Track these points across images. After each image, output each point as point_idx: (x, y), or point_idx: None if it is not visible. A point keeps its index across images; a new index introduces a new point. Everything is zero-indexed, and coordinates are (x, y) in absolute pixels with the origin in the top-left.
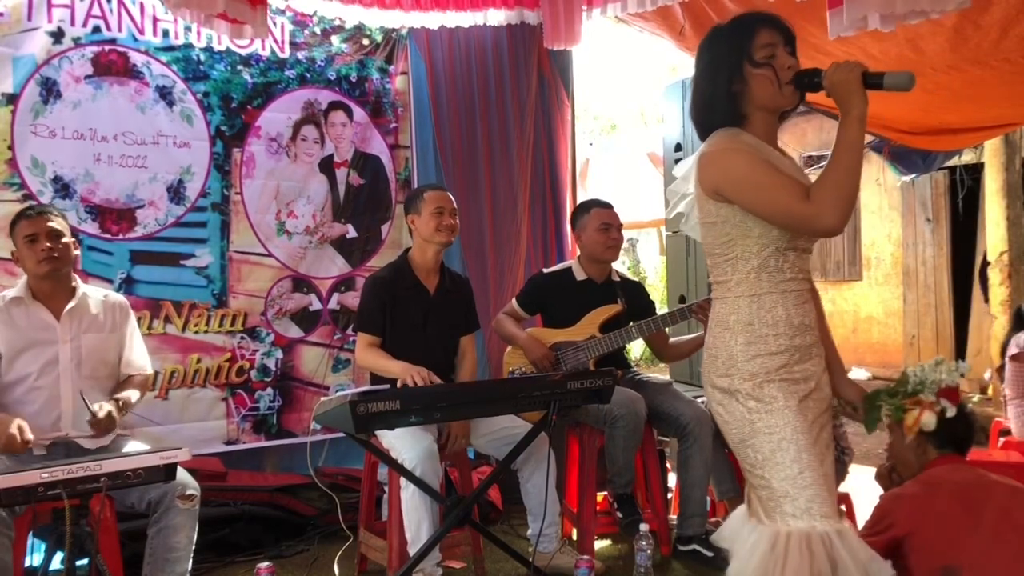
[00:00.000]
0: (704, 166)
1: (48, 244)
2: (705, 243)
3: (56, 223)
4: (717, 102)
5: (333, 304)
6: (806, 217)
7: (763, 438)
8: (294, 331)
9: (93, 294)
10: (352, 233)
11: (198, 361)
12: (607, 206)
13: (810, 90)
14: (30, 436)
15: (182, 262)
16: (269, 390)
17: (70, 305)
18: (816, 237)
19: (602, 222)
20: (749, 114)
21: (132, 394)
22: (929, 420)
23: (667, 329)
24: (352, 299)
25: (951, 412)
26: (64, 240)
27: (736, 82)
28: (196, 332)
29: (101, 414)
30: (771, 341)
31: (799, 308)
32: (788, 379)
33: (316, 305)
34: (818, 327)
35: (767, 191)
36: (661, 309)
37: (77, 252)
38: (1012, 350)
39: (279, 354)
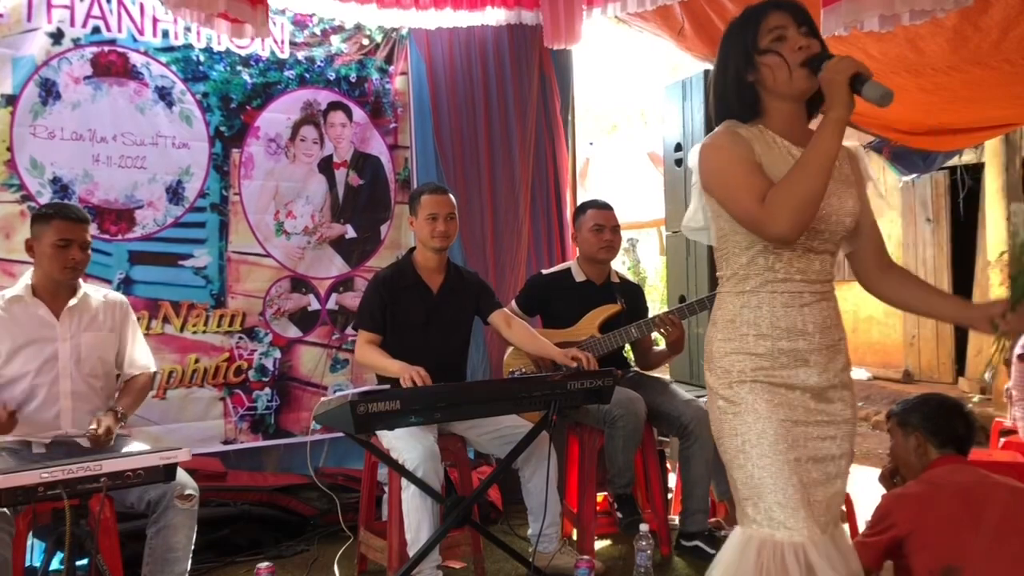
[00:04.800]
0: (697, 161)
1: (80, 256)
2: (711, 236)
3: (89, 233)
4: (729, 95)
5: (331, 304)
6: (757, 220)
7: (728, 440)
8: (292, 331)
9: (93, 293)
10: (351, 233)
11: (196, 361)
12: (604, 207)
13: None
14: (13, 407)
15: (180, 262)
16: (267, 390)
17: (71, 303)
18: (772, 243)
19: (596, 223)
20: (766, 105)
21: (128, 404)
22: None
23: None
24: (351, 299)
25: None
26: (90, 251)
27: (749, 73)
28: (194, 332)
29: (100, 431)
30: (751, 341)
31: (792, 310)
32: (765, 382)
33: (315, 305)
34: (924, 300)
35: (730, 190)
36: (662, 311)
37: None
38: (1019, 350)
39: (277, 354)
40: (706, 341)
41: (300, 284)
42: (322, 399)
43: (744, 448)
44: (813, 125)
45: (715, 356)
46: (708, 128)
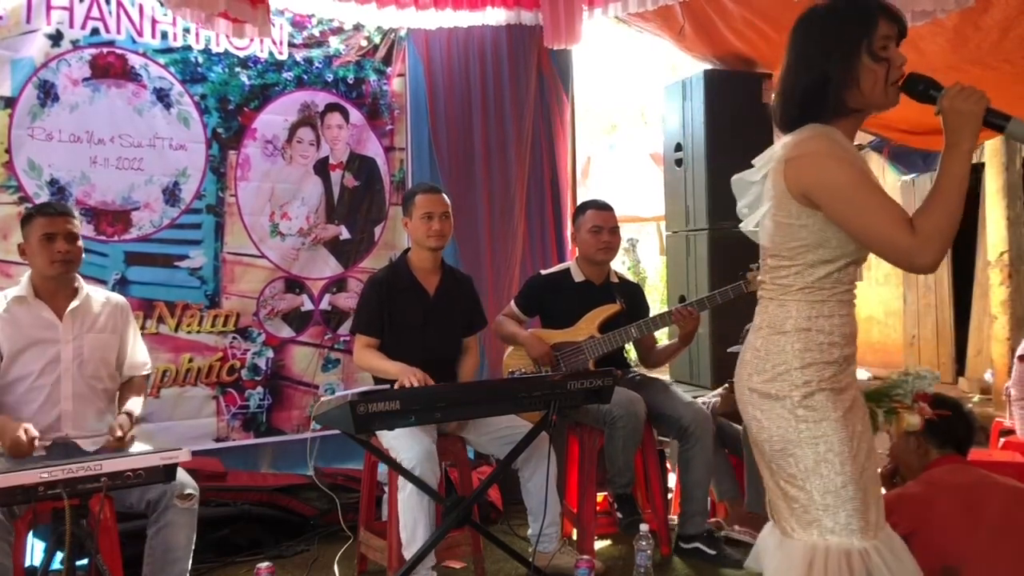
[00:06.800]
0: (797, 167)
1: (66, 247)
2: (773, 241)
3: (74, 225)
4: (827, 91)
5: (325, 305)
6: (905, 250)
7: (808, 448)
8: (285, 331)
9: (95, 294)
10: (345, 235)
11: (190, 360)
12: (603, 208)
13: (922, 101)
14: (35, 433)
15: (176, 263)
16: (259, 389)
17: (73, 305)
18: (906, 270)
19: (594, 224)
20: (852, 108)
21: (137, 404)
22: (913, 421)
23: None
24: (344, 300)
25: (928, 413)
26: (79, 243)
27: (849, 72)
28: (188, 332)
29: (125, 434)
30: (826, 350)
31: (850, 317)
32: (835, 388)
33: (308, 306)
34: None
35: (866, 212)
36: (662, 311)
37: (84, 255)
38: (1020, 351)
39: (270, 353)
40: (770, 350)
41: (294, 285)
42: (321, 399)
43: (827, 457)
44: None
45: (793, 366)
46: (709, 128)
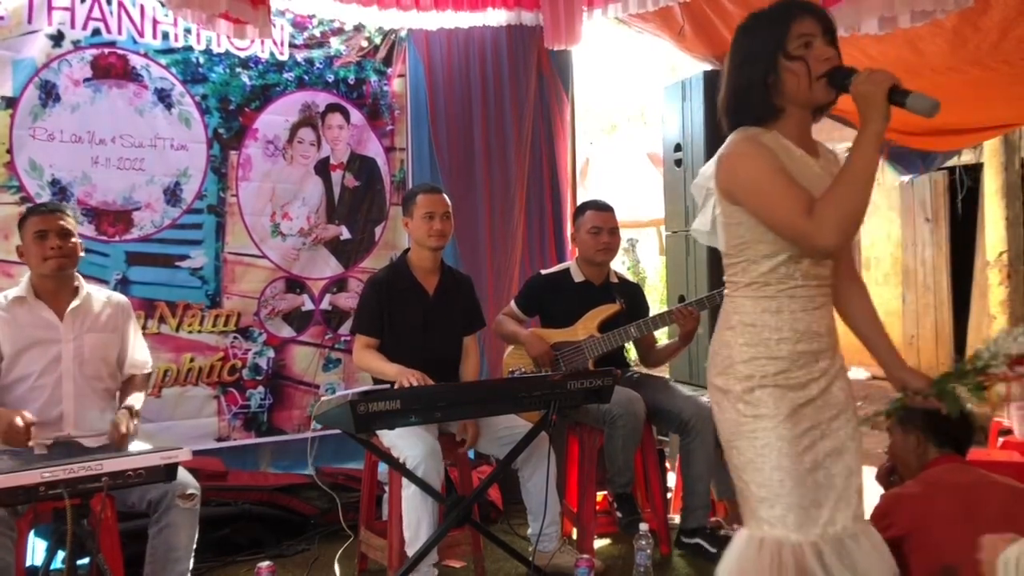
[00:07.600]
0: (719, 168)
1: (58, 243)
2: (722, 242)
3: (67, 222)
4: (751, 95)
5: (325, 304)
6: (803, 233)
7: (746, 441)
8: (286, 331)
9: (96, 294)
10: (346, 235)
11: (191, 360)
12: (603, 208)
13: (843, 91)
14: (31, 417)
15: (177, 263)
16: (260, 388)
17: (73, 304)
18: (811, 254)
19: (593, 225)
20: (783, 108)
21: (138, 399)
22: (1002, 390)
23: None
24: (344, 300)
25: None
26: (73, 240)
27: (770, 75)
28: (190, 332)
29: (125, 430)
30: (773, 345)
31: (807, 313)
32: (784, 385)
33: (308, 305)
34: (870, 324)
35: (769, 201)
36: (661, 310)
37: (82, 254)
38: None
39: (271, 353)
40: (719, 344)
41: (295, 285)
42: (322, 398)
43: (763, 452)
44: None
45: (735, 360)
46: (708, 128)
